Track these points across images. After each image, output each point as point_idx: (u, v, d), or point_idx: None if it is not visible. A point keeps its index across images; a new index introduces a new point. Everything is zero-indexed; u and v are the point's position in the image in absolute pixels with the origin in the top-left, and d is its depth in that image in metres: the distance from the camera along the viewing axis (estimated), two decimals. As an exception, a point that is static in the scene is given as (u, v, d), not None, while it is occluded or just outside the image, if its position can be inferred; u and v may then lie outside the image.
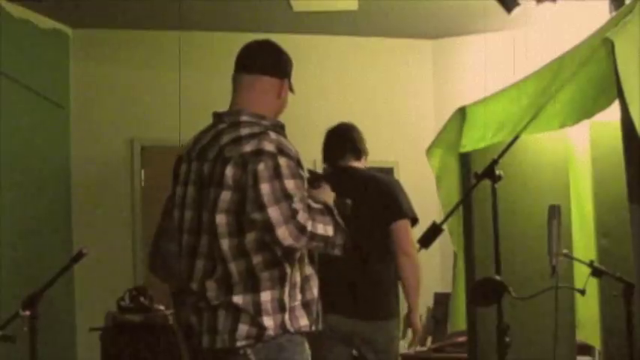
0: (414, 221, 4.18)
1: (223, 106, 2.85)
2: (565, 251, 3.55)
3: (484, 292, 3.01)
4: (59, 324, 6.02)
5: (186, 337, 2.78)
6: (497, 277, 2.99)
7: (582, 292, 3.53)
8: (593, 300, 4.38)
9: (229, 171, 2.63)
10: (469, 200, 4.18)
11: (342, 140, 4.38)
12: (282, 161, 2.63)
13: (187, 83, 6.47)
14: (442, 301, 6.03)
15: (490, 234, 3.04)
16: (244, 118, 2.75)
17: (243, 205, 2.61)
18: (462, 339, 5.08)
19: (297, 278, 2.72)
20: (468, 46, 6.87)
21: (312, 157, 6.77)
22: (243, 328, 2.62)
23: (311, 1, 5.93)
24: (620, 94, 2.90)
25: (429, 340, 6.02)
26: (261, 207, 2.58)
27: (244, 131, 2.70)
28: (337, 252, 2.76)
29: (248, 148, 2.64)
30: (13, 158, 5.58)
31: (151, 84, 6.61)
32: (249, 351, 2.63)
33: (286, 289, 2.67)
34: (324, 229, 2.67)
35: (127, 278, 6.28)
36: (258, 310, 2.63)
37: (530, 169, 4.30)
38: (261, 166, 2.60)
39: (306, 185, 2.75)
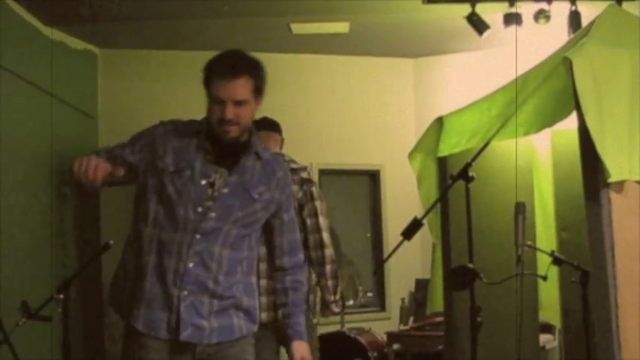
0: None
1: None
2: (529, 242, 3.55)
3: (459, 278, 3.01)
4: (89, 306, 6.01)
5: None
6: (470, 265, 2.99)
7: (544, 278, 3.54)
8: (553, 285, 4.40)
9: None
10: (446, 198, 4.18)
11: None
12: None
13: (192, 96, 6.50)
14: (422, 286, 6.04)
15: (464, 227, 3.05)
16: None
17: None
18: (439, 319, 5.08)
19: None
20: (446, 64, 6.86)
21: (310, 160, 6.81)
22: None
23: (308, 24, 5.93)
24: (578, 106, 2.91)
25: (411, 319, 6.02)
26: None
27: None
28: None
29: None
30: (48, 162, 5.57)
31: (167, 97, 6.60)
32: None
33: None
34: None
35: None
36: None
37: (499, 171, 4.31)
38: None
39: None
